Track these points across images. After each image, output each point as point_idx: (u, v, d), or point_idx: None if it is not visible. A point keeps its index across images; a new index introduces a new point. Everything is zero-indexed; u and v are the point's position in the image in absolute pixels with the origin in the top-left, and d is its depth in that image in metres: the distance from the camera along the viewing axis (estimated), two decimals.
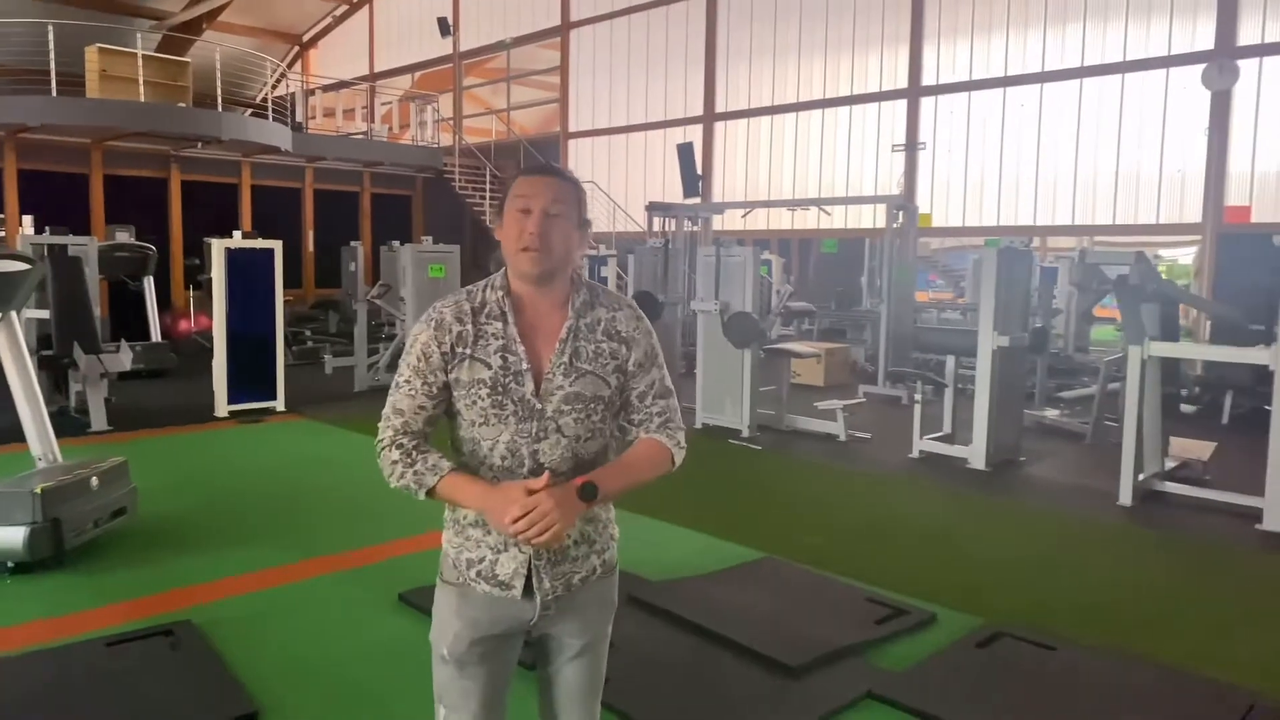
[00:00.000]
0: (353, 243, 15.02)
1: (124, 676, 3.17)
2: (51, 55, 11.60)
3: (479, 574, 1.76)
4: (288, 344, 9.22)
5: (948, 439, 7.01)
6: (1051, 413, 8.19)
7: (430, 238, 10.40)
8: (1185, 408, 8.20)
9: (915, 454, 6.88)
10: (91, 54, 11.88)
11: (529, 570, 1.74)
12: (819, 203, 11.16)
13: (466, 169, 16.58)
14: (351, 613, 3.84)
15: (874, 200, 11.61)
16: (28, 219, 10.20)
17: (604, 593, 1.86)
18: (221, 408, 8.09)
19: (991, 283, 6.41)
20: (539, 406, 1.70)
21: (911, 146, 12.12)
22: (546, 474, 1.66)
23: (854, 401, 7.89)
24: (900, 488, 6.18)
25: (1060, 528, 5.25)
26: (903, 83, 12.22)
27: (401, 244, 13.97)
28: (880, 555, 4.73)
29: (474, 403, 1.71)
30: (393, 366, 9.85)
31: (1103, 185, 10.68)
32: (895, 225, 9.95)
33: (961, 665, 3.38)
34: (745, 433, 7.59)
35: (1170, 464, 6.15)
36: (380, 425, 1.76)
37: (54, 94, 11.59)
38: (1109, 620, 3.91)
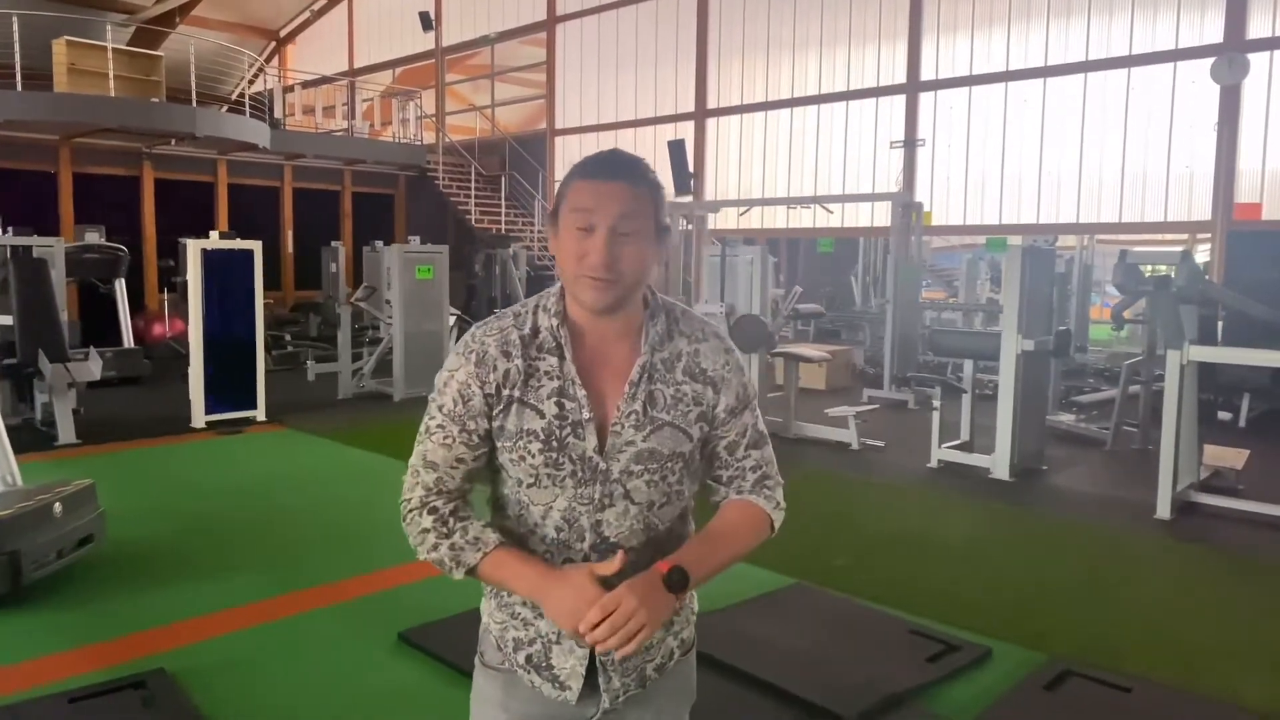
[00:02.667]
0: (333, 243, 14.55)
1: None
2: (16, 47, 11.09)
3: (529, 660, 1.41)
4: (267, 349, 8.77)
5: (966, 447, 6.70)
6: (1067, 418, 7.90)
7: (418, 238, 9.98)
8: (1222, 414, 7.91)
9: (934, 463, 6.56)
10: (59, 47, 11.38)
11: (590, 666, 1.38)
12: (822, 200, 10.84)
13: (451, 167, 16.15)
14: (347, 655, 3.44)
15: (880, 198, 11.29)
16: None
17: (683, 678, 1.53)
18: (198, 418, 7.64)
19: (1016, 284, 6.10)
20: (603, 466, 1.33)
21: (910, 143, 11.82)
22: (621, 554, 1.29)
23: (866, 408, 7.56)
24: (924, 500, 5.85)
25: (1099, 544, 4.94)
26: (901, 78, 11.91)
27: (385, 244, 13.56)
28: (914, 578, 4.39)
29: (522, 458, 1.34)
30: (379, 372, 9.45)
31: (1108, 183, 10.42)
32: (902, 223, 9.61)
33: (1032, 712, 3.05)
34: None
35: (1203, 473, 5.87)
36: (406, 481, 1.39)
37: (19, 88, 11.08)
38: (1175, 652, 3.59)
